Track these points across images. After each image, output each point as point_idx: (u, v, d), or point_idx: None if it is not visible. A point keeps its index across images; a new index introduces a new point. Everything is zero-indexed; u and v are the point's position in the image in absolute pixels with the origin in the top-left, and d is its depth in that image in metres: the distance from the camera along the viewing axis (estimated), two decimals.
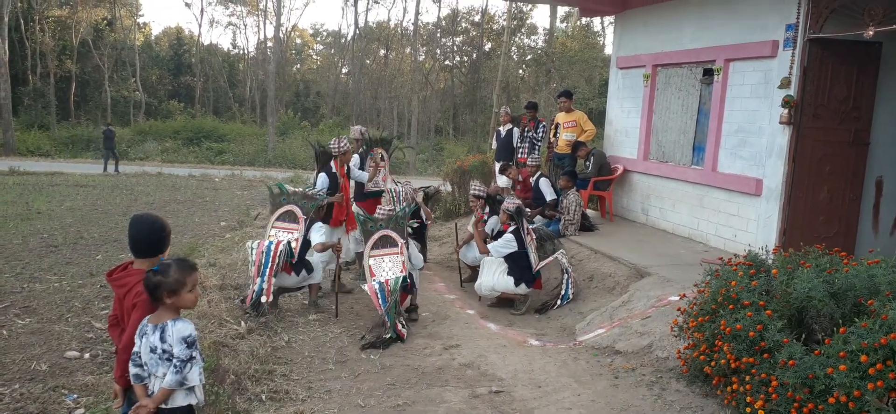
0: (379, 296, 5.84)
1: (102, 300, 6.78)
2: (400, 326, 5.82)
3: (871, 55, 6.83)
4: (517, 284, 6.99)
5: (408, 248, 6.40)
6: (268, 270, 6.10)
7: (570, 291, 7.07)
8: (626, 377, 4.85)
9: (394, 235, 6.33)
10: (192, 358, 2.83)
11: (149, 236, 3.09)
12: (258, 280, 6.11)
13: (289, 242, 6.35)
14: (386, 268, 6.17)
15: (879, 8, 5.92)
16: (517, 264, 6.98)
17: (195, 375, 2.85)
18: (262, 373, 4.91)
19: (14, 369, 4.94)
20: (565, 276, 7.13)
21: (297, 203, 6.69)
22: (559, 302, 7.04)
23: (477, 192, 7.94)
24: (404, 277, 6.09)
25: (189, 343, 2.81)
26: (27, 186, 16.18)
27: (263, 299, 6.07)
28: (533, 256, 6.98)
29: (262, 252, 6.16)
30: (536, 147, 10.14)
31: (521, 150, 10.30)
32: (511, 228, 7.07)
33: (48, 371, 4.94)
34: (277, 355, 5.36)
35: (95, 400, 4.42)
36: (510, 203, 7.21)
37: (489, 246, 7.14)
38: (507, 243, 6.96)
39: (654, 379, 4.76)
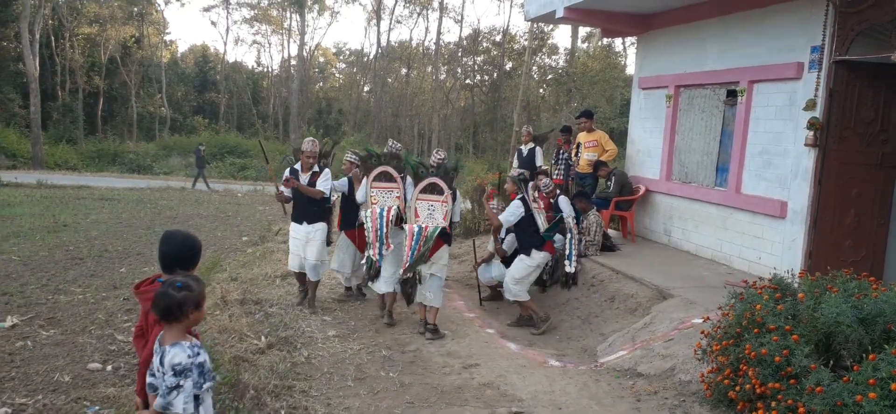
0: (414, 238, 6.27)
1: (125, 313, 6.86)
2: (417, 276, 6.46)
3: None
4: (527, 252, 6.98)
5: (454, 201, 6.69)
6: (384, 233, 6.51)
7: (574, 252, 7.12)
8: (649, 400, 4.78)
9: (442, 183, 6.57)
10: (178, 386, 2.74)
11: (180, 252, 3.12)
12: (377, 245, 6.50)
13: (397, 206, 6.70)
14: (430, 213, 6.54)
15: None
16: (525, 231, 7.00)
17: (180, 403, 2.74)
18: (282, 388, 4.91)
19: (37, 380, 5.00)
20: (568, 236, 7.11)
21: (390, 163, 6.85)
22: (568, 265, 7.13)
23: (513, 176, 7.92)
24: (443, 227, 6.47)
25: (177, 372, 2.73)
26: (54, 199, 16.46)
27: (385, 250, 6.53)
28: (540, 220, 7.00)
29: (377, 218, 6.52)
30: (571, 169, 10.22)
31: (556, 172, 10.37)
32: (518, 196, 7.13)
33: (71, 383, 4.99)
34: (297, 371, 5.37)
35: (117, 412, 4.45)
36: (515, 171, 7.27)
37: (500, 216, 7.15)
38: (515, 209, 7.00)
39: (677, 403, 4.69)
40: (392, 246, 6.58)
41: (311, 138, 7.23)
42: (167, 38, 50.65)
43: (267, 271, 8.77)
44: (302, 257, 7.12)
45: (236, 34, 76.83)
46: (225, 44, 77.96)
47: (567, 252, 7.22)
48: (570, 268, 7.21)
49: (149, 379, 2.86)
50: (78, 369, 5.25)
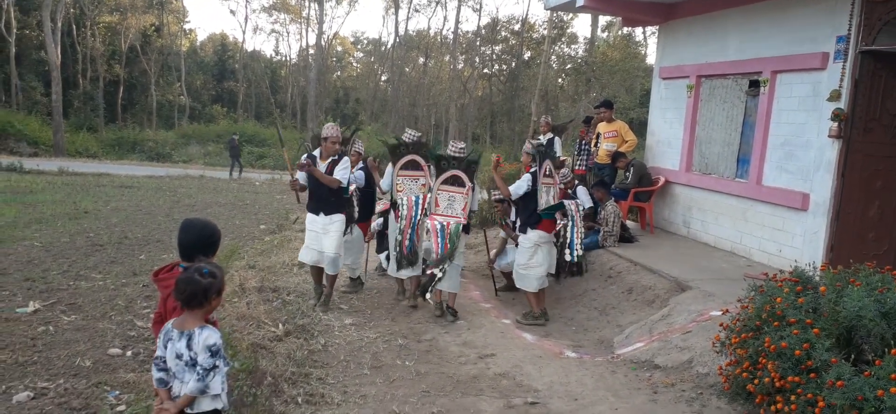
0: (439, 236, 6.42)
1: (145, 299, 6.93)
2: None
3: None
4: (524, 230, 6.86)
5: (474, 192, 6.81)
6: (417, 219, 6.68)
7: (577, 239, 6.78)
8: (666, 393, 4.75)
9: (463, 176, 6.67)
10: (215, 367, 2.82)
11: (199, 240, 3.13)
12: (408, 231, 6.66)
13: (429, 193, 6.82)
14: (450, 203, 6.72)
15: None
16: (526, 208, 6.84)
17: (218, 384, 2.84)
18: (299, 376, 4.94)
19: (59, 365, 5.06)
20: (570, 223, 6.78)
21: (418, 152, 6.91)
22: (568, 254, 6.78)
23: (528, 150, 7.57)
24: (465, 225, 6.68)
25: (213, 352, 2.80)
26: (75, 187, 16.66)
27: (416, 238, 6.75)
28: (546, 198, 6.77)
29: (412, 206, 6.68)
30: (590, 159, 10.19)
31: (578, 162, 10.35)
32: (531, 169, 6.93)
33: (91, 367, 5.05)
34: (314, 359, 5.39)
35: (137, 397, 4.51)
36: (530, 144, 7.14)
37: (510, 187, 6.95)
38: (524, 182, 6.82)
39: (695, 395, 4.65)
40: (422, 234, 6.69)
41: (333, 124, 6.89)
42: (187, 26, 51.09)
43: (284, 259, 8.82)
44: (318, 250, 6.69)
45: (255, 23, 77.42)
46: (243, 32, 78.81)
47: (569, 240, 6.85)
48: (569, 256, 6.82)
49: (158, 374, 2.86)
50: (98, 354, 5.32)
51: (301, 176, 6.57)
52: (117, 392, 4.60)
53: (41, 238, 9.70)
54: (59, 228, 10.58)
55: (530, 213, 6.81)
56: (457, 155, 6.73)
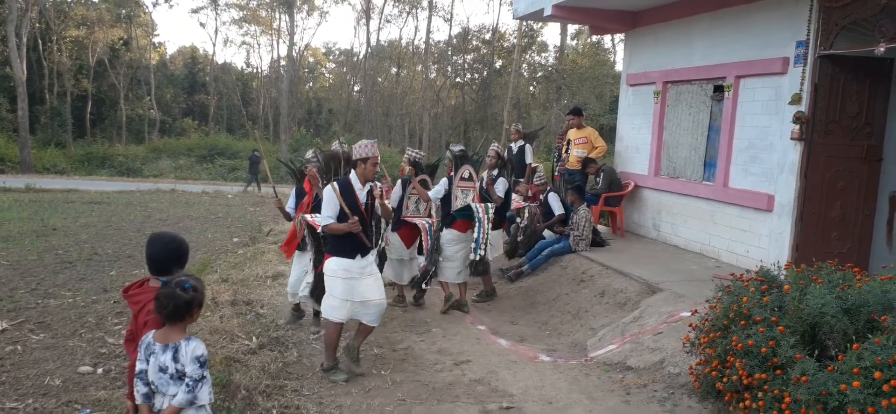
0: (477, 225, 7.01)
1: (116, 316, 6.84)
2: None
3: (883, 71, 6.81)
4: (440, 228, 7.34)
5: (481, 183, 7.33)
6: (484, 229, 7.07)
7: (483, 240, 7.08)
8: (638, 393, 4.82)
9: (472, 170, 7.24)
10: (203, 377, 2.84)
11: (166, 254, 3.11)
12: (484, 242, 7.10)
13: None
14: (464, 197, 7.21)
15: (891, 24, 5.91)
16: (443, 209, 7.40)
17: (206, 394, 2.86)
18: (274, 388, 4.93)
19: (28, 384, 4.99)
20: (477, 225, 7.06)
21: (470, 163, 7.26)
22: (472, 253, 7.17)
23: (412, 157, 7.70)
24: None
25: (202, 362, 2.82)
26: (43, 203, 16.37)
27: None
28: (463, 200, 7.22)
29: (485, 214, 7.08)
30: (561, 165, 10.41)
31: (558, 168, 10.57)
32: (451, 173, 7.35)
33: (61, 386, 4.98)
34: (288, 371, 5.38)
35: None
36: (457, 147, 7.46)
37: (429, 193, 7.35)
38: (441, 186, 7.27)
39: (666, 395, 4.73)
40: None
41: (369, 141, 5.38)
42: (155, 40, 50.54)
43: (258, 272, 8.77)
44: (360, 301, 5.31)
45: (225, 35, 76.77)
46: (214, 45, 78.23)
47: (476, 238, 7.15)
48: (473, 255, 7.18)
49: (143, 390, 2.85)
50: (68, 373, 5.24)
51: (331, 212, 5.19)
52: (88, 410, 4.55)
53: (8, 256, 9.53)
54: (26, 246, 10.39)
55: (446, 213, 7.33)
56: (458, 153, 7.32)
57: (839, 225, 6.94)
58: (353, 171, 5.32)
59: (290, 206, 6.66)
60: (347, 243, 5.22)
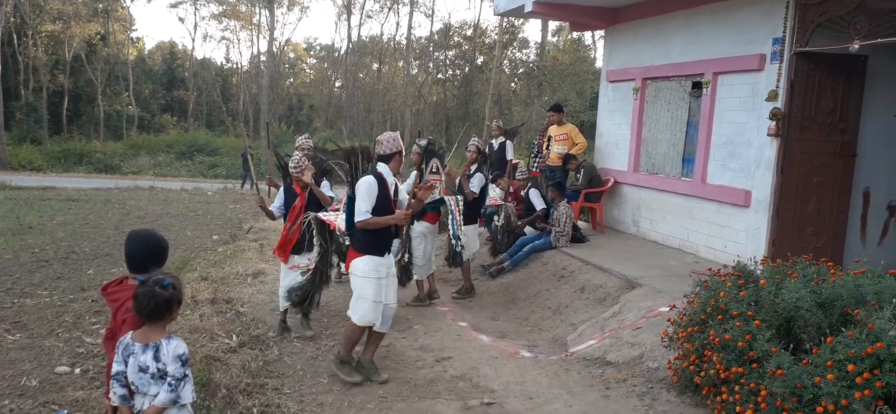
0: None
1: (94, 315, 6.77)
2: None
3: (858, 68, 6.91)
4: (412, 221, 7.10)
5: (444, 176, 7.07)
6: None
7: (458, 231, 6.96)
8: (617, 388, 4.87)
9: (439, 164, 6.78)
10: (186, 376, 2.82)
11: (145, 251, 3.09)
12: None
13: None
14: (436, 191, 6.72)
15: (865, 22, 6.00)
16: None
17: (188, 393, 2.85)
18: (254, 387, 4.91)
19: (4, 385, 4.92)
20: (450, 217, 6.98)
21: (437, 156, 7.04)
22: (455, 244, 7.13)
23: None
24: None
25: (183, 361, 2.81)
26: (18, 201, 16.12)
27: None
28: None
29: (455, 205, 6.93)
30: (542, 161, 10.50)
31: (534, 165, 10.62)
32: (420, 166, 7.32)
33: (38, 387, 4.92)
34: (269, 369, 5.36)
35: None
36: (421, 140, 7.44)
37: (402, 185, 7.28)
38: (411, 179, 7.10)
39: (645, 389, 4.78)
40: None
41: (394, 133, 5.24)
42: (133, 35, 49.87)
43: (238, 270, 8.71)
44: (387, 302, 5.15)
45: (204, 30, 76.07)
46: (193, 40, 77.15)
47: (452, 231, 7.14)
48: (457, 247, 7.24)
49: (120, 391, 2.82)
50: (45, 373, 5.18)
51: (367, 206, 4.94)
52: (66, 411, 4.50)
53: None
54: (1, 245, 10.24)
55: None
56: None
57: (814, 220, 7.04)
58: (381, 164, 5.09)
59: (276, 205, 6.29)
60: (379, 240, 5.04)
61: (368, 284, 5.01)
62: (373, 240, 5.02)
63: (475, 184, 7.65)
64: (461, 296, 7.93)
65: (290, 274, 6.25)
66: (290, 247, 6.17)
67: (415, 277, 7.34)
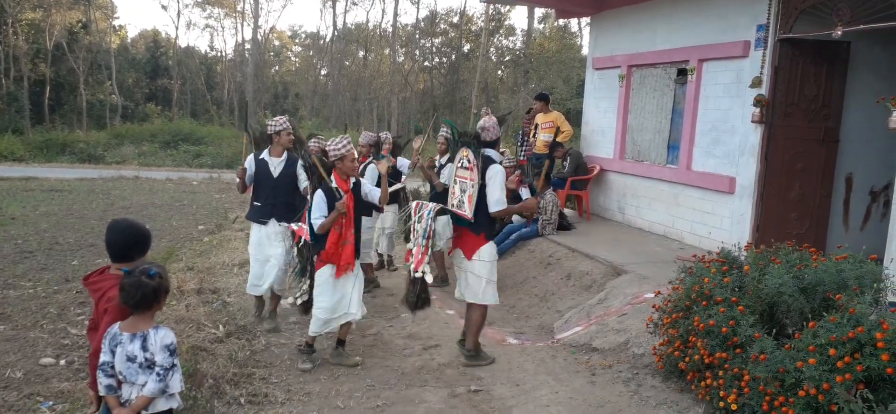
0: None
1: (78, 306, 6.72)
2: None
3: (841, 54, 6.97)
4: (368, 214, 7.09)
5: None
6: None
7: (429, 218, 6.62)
8: (603, 374, 4.91)
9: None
10: (174, 365, 2.82)
11: (126, 240, 3.06)
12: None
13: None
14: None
15: (847, 8, 6.04)
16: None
17: (177, 382, 2.85)
18: (241, 376, 4.90)
19: None
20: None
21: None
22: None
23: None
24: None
25: (171, 351, 2.81)
26: (1, 192, 15.93)
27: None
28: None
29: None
30: (528, 149, 10.45)
31: (522, 153, 10.59)
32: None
33: (23, 378, 4.89)
34: (256, 359, 5.35)
35: (71, 407, 4.39)
36: (382, 135, 7.72)
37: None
38: (371, 174, 7.12)
39: (631, 375, 4.82)
40: None
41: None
42: (116, 23, 49.23)
43: (224, 260, 8.68)
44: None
45: (188, 18, 75.24)
46: (176, 28, 76.52)
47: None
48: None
49: (106, 381, 2.81)
50: (30, 365, 5.14)
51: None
52: (51, 402, 4.47)
53: None
54: None
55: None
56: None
57: (798, 206, 7.11)
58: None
59: (318, 214, 5.04)
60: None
61: (496, 267, 5.27)
62: (492, 225, 5.32)
63: (445, 175, 7.54)
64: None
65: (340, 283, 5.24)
66: (351, 254, 5.20)
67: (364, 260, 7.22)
